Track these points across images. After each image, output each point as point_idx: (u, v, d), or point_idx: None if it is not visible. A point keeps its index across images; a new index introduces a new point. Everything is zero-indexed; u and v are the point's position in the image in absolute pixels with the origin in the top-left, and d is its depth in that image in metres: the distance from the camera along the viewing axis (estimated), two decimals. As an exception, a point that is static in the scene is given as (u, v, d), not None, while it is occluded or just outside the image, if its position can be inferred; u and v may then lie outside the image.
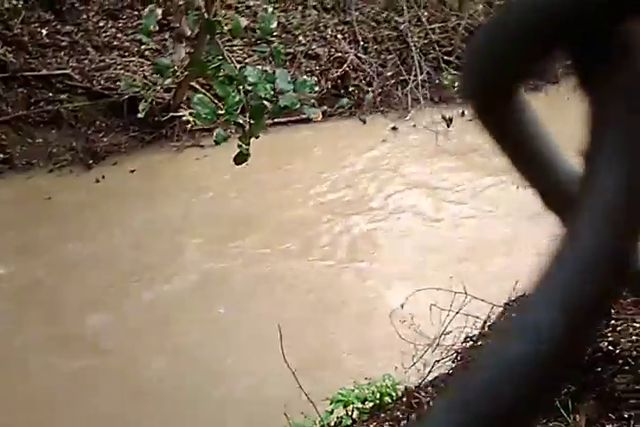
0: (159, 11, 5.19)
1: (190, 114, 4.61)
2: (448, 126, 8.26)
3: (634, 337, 4.24)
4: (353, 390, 4.38)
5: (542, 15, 0.36)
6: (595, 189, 0.35)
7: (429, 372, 4.31)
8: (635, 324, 4.30)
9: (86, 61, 8.20)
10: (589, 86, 0.37)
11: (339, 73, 8.69)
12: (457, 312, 4.69)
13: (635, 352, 4.18)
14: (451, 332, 4.69)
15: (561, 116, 8.24)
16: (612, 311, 4.43)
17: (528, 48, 0.38)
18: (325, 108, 7.83)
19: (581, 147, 0.36)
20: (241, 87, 4.23)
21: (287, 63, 8.38)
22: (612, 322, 4.34)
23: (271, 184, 7.22)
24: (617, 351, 4.17)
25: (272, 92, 4.22)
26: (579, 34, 0.36)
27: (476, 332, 4.48)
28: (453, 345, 4.49)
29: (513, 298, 4.66)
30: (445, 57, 9.39)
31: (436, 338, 4.53)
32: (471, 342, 4.41)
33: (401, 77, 9.08)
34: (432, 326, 4.81)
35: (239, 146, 4.23)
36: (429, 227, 6.90)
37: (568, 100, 8.62)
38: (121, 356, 5.39)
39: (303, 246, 6.56)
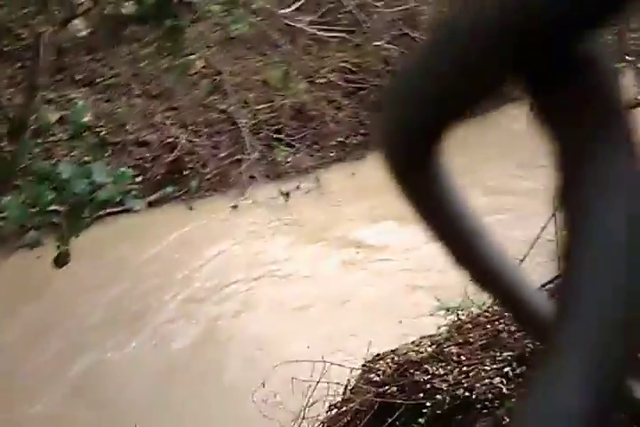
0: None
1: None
2: (286, 201, 8.50)
3: (487, 380, 4.38)
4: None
5: (491, 36, 0.28)
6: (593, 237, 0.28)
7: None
8: (485, 367, 4.45)
9: None
10: (551, 118, 0.31)
11: (171, 158, 8.69)
12: (318, 382, 4.65)
13: (490, 395, 4.31)
14: (315, 402, 4.62)
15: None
16: (463, 358, 4.57)
17: (470, 79, 0.30)
18: (158, 195, 7.74)
19: (555, 187, 0.29)
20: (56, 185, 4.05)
21: (116, 153, 8.27)
22: (465, 368, 4.46)
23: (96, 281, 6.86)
24: (474, 397, 4.28)
25: (90, 187, 4.07)
26: (535, 57, 0.29)
27: (339, 398, 4.45)
28: (318, 416, 4.42)
29: (369, 359, 4.70)
30: (275, 135, 9.71)
31: (301, 411, 4.44)
32: (335, 410, 4.36)
33: (235, 157, 9.23)
34: (296, 399, 4.72)
35: (58, 247, 4.03)
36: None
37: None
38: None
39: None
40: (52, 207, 4.04)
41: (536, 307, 0.45)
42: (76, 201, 4.00)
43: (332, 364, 4.72)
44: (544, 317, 0.44)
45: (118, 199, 4.14)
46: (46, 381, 5.71)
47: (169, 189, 7.34)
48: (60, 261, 4.08)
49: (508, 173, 8.32)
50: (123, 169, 4.38)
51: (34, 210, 4.03)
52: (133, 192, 4.46)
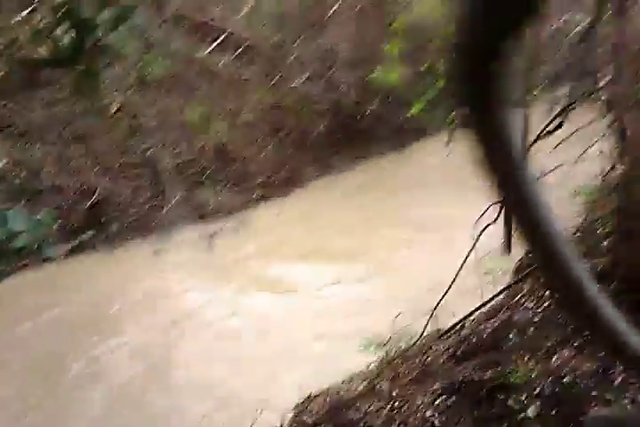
0: None
1: None
2: (210, 242, 8.35)
3: (419, 414, 4.38)
4: None
5: None
6: None
7: None
8: (417, 401, 4.45)
9: None
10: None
11: (90, 204, 8.45)
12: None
13: (424, 428, 4.30)
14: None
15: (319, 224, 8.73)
16: (394, 394, 4.57)
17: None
18: (77, 242, 7.48)
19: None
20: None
21: (32, 200, 7.99)
22: (396, 404, 4.46)
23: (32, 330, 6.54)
24: (407, 432, 4.26)
25: (6, 235, 3.93)
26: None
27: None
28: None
29: (300, 402, 4.63)
30: (198, 176, 9.63)
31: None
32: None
33: (157, 200, 9.08)
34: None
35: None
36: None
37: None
38: None
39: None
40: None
41: (568, 252, 0.48)
42: (-10, 250, 3.84)
43: (262, 411, 4.62)
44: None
45: (36, 246, 4.00)
46: None
47: (86, 236, 7.14)
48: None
49: (421, 201, 8.62)
50: (39, 216, 4.24)
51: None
52: (50, 239, 4.32)
